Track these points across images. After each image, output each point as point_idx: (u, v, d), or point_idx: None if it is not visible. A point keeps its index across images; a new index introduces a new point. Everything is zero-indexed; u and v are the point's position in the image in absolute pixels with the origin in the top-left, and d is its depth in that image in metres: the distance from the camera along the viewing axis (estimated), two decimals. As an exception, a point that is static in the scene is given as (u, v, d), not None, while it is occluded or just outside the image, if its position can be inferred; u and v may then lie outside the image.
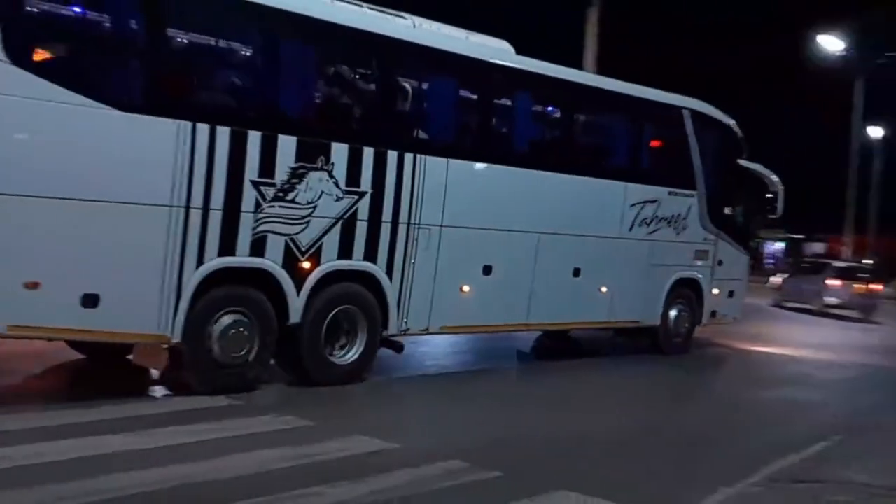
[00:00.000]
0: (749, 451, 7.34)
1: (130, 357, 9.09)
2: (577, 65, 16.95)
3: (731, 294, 13.80)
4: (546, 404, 9.02)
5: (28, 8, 6.97)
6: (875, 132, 42.07)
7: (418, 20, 9.77)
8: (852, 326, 21.80)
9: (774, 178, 13.94)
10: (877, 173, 43.40)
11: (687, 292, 12.94)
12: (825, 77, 36.42)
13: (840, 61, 34.24)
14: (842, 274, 24.39)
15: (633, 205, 11.82)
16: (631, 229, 11.83)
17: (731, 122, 13.44)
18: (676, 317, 12.86)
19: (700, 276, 13.06)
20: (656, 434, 7.85)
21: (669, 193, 12.32)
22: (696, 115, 12.76)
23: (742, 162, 13.59)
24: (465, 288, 9.85)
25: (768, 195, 13.91)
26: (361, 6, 9.22)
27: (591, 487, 5.74)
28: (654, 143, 12.70)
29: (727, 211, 13.49)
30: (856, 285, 23.86)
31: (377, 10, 9.28)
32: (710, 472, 6.54)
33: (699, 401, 10.46)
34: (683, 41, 40.63)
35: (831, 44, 33.53)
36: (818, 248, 50.36)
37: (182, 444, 6.14)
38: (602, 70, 11.87)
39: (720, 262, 13.35)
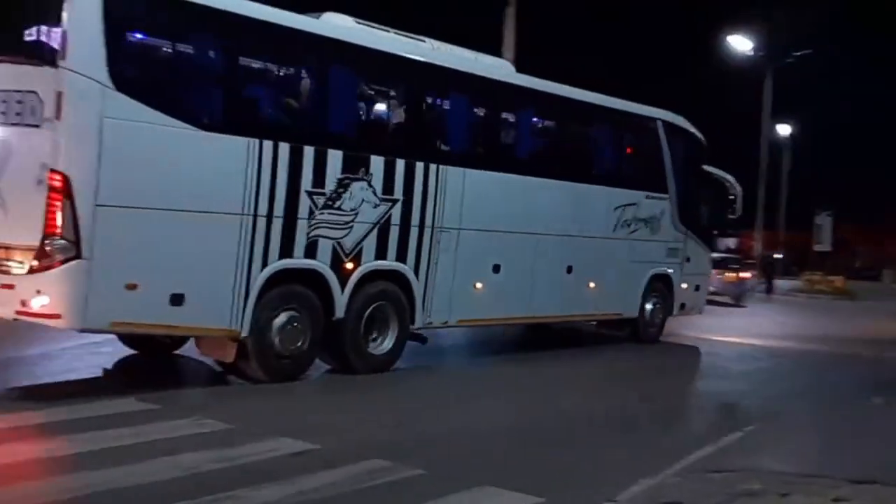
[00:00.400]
0: (674, 441, 7.53)
1: (176, 352, 9.94)
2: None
3: (696, 288, 15.13)
4: (489, 397, 9.29)
5: (129, 42, 7.77)
6: (783, 130, 44.27)
7: (435, 43, 10.78)
8: (734, 311, 23.55)
9: (734, 181, 15.33)
10: (785, 170, 45.98)
11: (660, 286, 14.20)
12: (737, 76, 37.60)
13: (750, 60, 34.93)
14: (715, 265, 26.61)
15: (617, 208, 13.02)
16: (614, 230, 13.03)
17: (696, 131, 14.75)
18: (652, 309, 14.10)
19: (672, 271, 14.32)
20: (589, 424, 8.04)
21: (646, 197, 13.55)
22: (667, 124, 14.03)
23: (706, 167, 14.93)
24: (478, 285, 10.89)
25: (729, 197, 15.31)
26: (388, 31, 10.19)
27: (516, 481, 5.78)
28: (634, 151, 13.91)
29: (694, 212, 14.78)
30: (727, 274, 25.97)
31: (402, 35, 10.27)
32: (633, 462, 6.56)
33: (641, 389, 10.45)
34: (598, 40, 42.35)
35: (741, 43, 34.08)
36: (731, 243, 52.94)
37: (103, 449, 6.00)
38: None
39: (688, 259, 14.65)
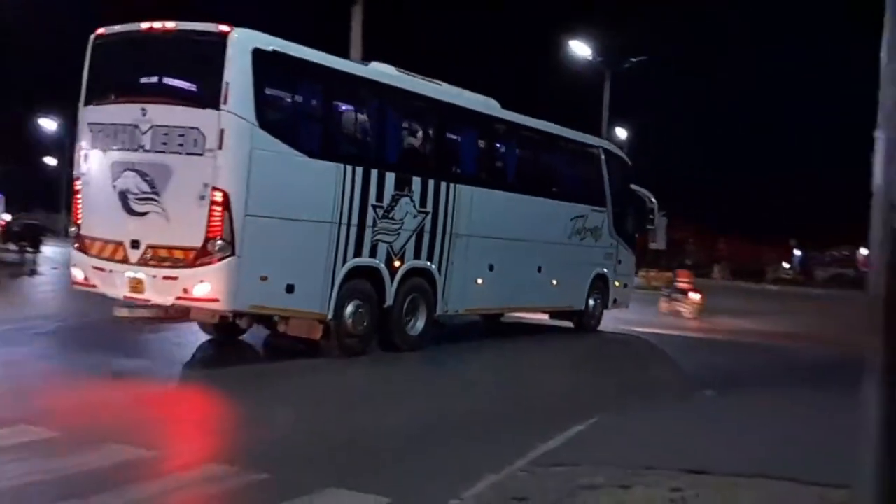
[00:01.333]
0: (526, 434, 7.31)
1: (241, 338, 12.11)
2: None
3: (625, 286, 18.20)
4: (359, 397, 9.45)
5: (267, 91, 10.00)
6: (621, 133, 45.49)
7: (440, 83, 13.36)
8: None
9: (651, 196, 18.52)
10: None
11: (600, 284, 17.16)
12: (578, 80, 37.98)
13: (590, 65, 35.25)
14: None
15: (572, 219, 15.91)
16: (570, 237, 15.90)
17: (625, 156, 17.84)
18: (594, 303, 17.05)
19: (608, 272, 17.32)
20: (448, 422, 8.01)
21: (591, 210, 16.51)
22: (606, 150, 17.08)
23: (632, 186, 18.06)
24: (479, 281, 13.51)
25: (647, 209, 18.49)
26: (414, 76, 12.73)
27: (365, 483, 5.71)
28: (584, 172, 16.86)
29: (623, 222, 17.84)
30: None
31: (430, 81, 12.84)
32: (482, 458, 6.46)
33: (512, 382, 10.98)
34: (446, 38, 44.98)
35: (581, 48, 34.51)
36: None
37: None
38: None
39: (619, 262, 17.70)
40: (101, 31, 10.46)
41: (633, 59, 36.18)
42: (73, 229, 10.72)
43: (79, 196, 10.53)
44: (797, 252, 71.00)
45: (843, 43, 68.37)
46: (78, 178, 10.56)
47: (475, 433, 7.57)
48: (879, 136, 4.20)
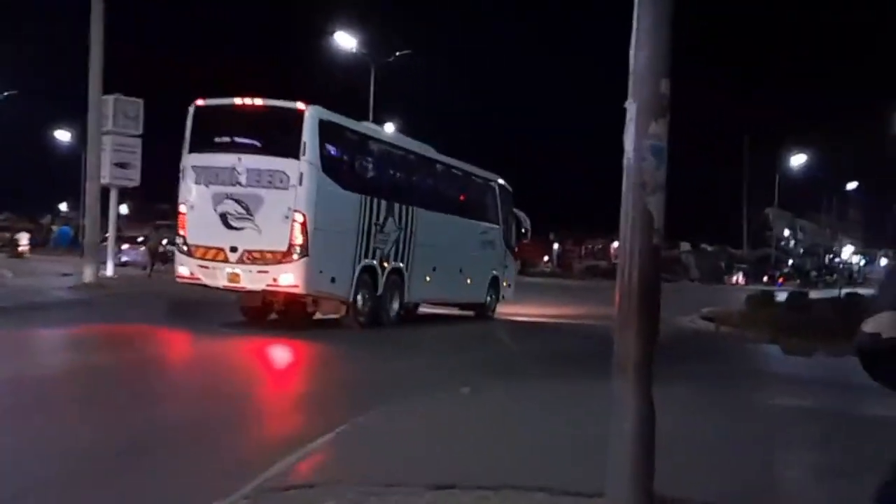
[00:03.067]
0: (275, 443, 6.77)
1: (273, 317, 16.71)
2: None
3: (509, 285, 23.87)
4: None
5: (327, 147, 14.86)
6: (389, 128, 47.05)
7: (401, 135, 18.54)
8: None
9: (525, 217, 24.35)
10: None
11: (495, 283, 22.74)
12: (345, 73, 38.90)
13: (356, 58, 35.71)
14: None
15: (480, 233, 21.43)
16: (478, 247, 21.41)
17: (509, 186, 23.57)
18: (490, 299, 22.58)
19: (500, 274, 22.93)
20: (189, 430, 7.16)
21: (490, 227, 22.09)
22: (499, 184, 22.74)
23: (514, 209, 23.82)
24: (427, 278, 18.70)
25: (523, 228, 24.32)
26: (399, 134, 17.85)
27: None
28: (486, 199, 22.41)
29: (509, 236, 23.53)
30: None
31: (402, 136, 17.99)
32: (215, 476, 5.77)
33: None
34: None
35: (346, 41, 34.93)
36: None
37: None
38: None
39: (506, 267, 23.37)
40: (199, 102, 15.01)
41: (398, 53, 36.76)
42: (179, 240, 15.11)
43: (184, 216, 14.96)
44: (556, 245, 72.94)
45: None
46: (183, 204, 14.99)
47: (231, 437, 7.06)
48: (630, 105, 3.98)
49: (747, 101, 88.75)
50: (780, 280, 65.84)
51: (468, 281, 20.95)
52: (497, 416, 7.98)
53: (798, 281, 63.51)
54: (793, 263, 75.26)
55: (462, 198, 21.17)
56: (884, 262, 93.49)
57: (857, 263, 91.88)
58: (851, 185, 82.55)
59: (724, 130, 78.76)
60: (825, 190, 79.35)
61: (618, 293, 4.08)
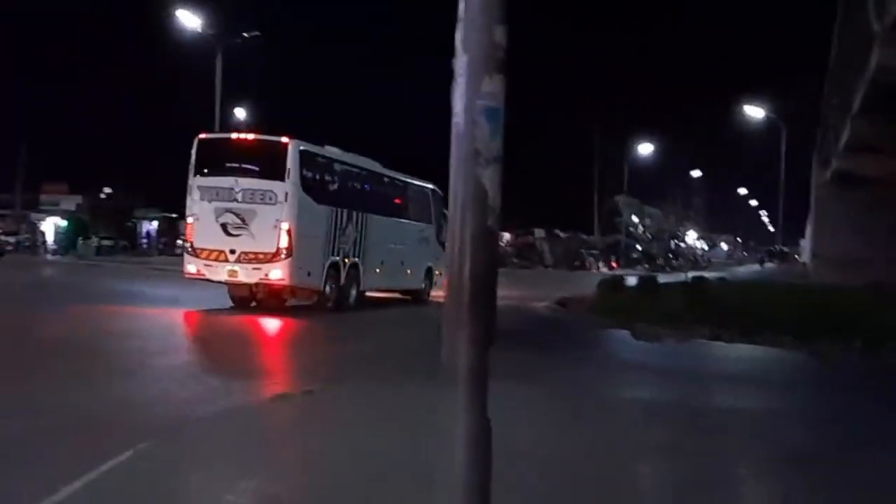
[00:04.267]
0: (77, 455, 6.13)
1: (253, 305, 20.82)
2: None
3: (440, 274, 28.26)
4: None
5: (305, 172, 19.02)
6: (239, 113, 45.10)
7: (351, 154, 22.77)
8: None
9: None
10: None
11: (429, 273, 27.15)
12: (190, 54, 37.36)
13: (201, 39, 34.45)
14: None
15: (418, 231, 25.84)
16: (416, 243, 25.79)
17: (440, 191, 27.96)
18: (425, 286, 26.98)
19: (433, 265, 27.33)
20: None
21: (426, 226, 26.50)
22: (432, 190, 27.11)
23: (445, 210, 28.21)
24: (377, 270, 23.00)
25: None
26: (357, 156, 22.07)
27: None
28: (423, 203, 26.78)
29: (440, 233, 27.88)
30: None
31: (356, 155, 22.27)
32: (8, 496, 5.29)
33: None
34: None
35: (189, 19, 33.75)
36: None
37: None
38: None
39: (438, 259, 27.77)
40: (202, 135, 19.02)
41: (246, 34, 35.54)
42: (187, 244, 19.11)
43: (191, 225, 18.96)
44: None
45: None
46: (190, 216, 18.99)
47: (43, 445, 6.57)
48: (459, 58, 3.35)
49: (598, 92, 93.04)
50: (614, 264, 64.24)
51: (408, 272, 25.32)
52: (323, 425, 7.79)
53: (647, 266, 63.73)
54: (641, 249, 77.58)
55: (403, 203, 25.53)
56: (724, 246, 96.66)
57: (701, 248, 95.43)
58: (695, 174, 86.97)
59: (577, 122, 78.48)
60: (670, 178, 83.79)
61: (446, 286, 3.40)
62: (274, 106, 51.00)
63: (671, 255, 76.86)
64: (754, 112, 45.74)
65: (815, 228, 45.55)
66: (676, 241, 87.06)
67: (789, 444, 7.85)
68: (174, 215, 55.18)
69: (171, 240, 54.40)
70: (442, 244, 28.00)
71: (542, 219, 73.22)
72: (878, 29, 13.98)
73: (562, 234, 75.15)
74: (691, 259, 74.22)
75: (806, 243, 64.43)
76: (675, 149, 76.06)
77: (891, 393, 11.90)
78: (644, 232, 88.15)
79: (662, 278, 29.53)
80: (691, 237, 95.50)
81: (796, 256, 78.04)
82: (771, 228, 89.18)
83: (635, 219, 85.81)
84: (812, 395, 11.84)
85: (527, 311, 22.00)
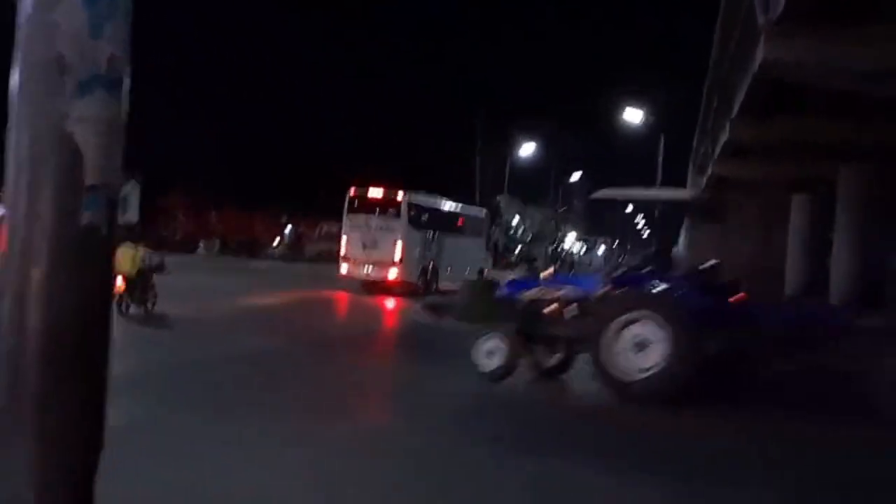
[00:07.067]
0: None
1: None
2: None
3: (489, 271, 41.02)
4: None
5: (411, 212, 31.97)
6: None
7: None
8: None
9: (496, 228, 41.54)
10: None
11: (482, 272, 39.57)
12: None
13: None
14: None
15: (475, 243, 38.50)
16: (473, 251, 38.36)
17: (486, 214, 40.70)
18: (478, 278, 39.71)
19: (483, 265, 39.75)
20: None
21: (479, 239, 39.17)
22: (485, 213, 39.98)
23: (493, 225, 41.05)
24: (448, 271, 35.62)
25: (493, 239, 41.66)
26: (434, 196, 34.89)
27: None
28: (477, 222, 39.46)
29: (487, 243, 40.64)
30: None
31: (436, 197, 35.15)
32: None
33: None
34: None
35: None
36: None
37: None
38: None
39: (487, 260, 40.38)
40: (352, 191, 32.15)
41: None
42: (343, 254, 32.12)
43: (347, 243, 31.97)
44: (289, 227, 68.00)
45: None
46: (344, 236, 32.05)
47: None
48: None
49: (481, 90, 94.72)
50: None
51: (467, 271, 37.99)
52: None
53: (527, 267, 58.87)
54: (520, 250, 75.95)
55: (464, 224, 38.20)
56: (602, 249, 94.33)
57: (579, 251, 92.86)
58: (575, 176, 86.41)
59: (460, 121, 74.89)
60: (550, 179, 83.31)
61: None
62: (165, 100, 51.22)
63: (549, 257, 71.00)
64: (633, 116, 44.15)
65: (689, 239, 40.86)
66: (555, 243, 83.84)
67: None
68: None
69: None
70: (489, 250, 41.09)
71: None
72: (763, 22, 13.44)
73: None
74: (568, 262, 72.67)
75: (679, 250, 60.90)
76: (557, 150, 75.43)
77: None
78: (524, 233, 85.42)
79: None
80: (570, 239, 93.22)
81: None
82: (645, 234, 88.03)
83: (517, 219, 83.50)
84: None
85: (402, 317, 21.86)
